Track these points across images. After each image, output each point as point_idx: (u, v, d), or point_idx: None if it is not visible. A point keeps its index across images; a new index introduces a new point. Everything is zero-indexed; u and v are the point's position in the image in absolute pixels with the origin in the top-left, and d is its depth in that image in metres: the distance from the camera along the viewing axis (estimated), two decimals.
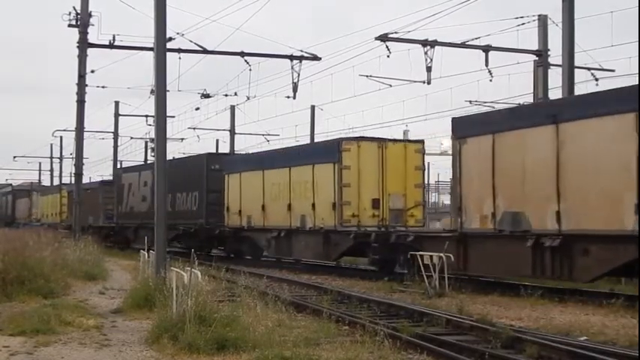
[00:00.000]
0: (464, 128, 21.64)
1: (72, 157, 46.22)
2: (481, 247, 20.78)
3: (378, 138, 28.07)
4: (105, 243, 47.17)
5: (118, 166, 62.92)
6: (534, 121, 19.11)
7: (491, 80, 29.96)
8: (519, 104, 32.07)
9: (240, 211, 33.16)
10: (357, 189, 26.59)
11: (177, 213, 37.37)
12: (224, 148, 63.05)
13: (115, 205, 47.23)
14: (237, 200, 33.47)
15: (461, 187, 21.33)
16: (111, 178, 58.30)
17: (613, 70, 30.82)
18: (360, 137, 28.04)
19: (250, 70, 31.74)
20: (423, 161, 28.16)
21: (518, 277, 20.40)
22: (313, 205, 27.78)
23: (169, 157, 36.94)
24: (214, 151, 67.52)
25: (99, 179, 65.62)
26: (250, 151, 47.47)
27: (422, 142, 28.60)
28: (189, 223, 36.67)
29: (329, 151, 27.37)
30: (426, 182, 29.72)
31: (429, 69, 28.46)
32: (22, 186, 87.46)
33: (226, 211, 34.24)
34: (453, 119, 22.53)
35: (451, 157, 21.81)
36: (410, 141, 28.27)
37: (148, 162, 55.09)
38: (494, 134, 20.20)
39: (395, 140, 28.12)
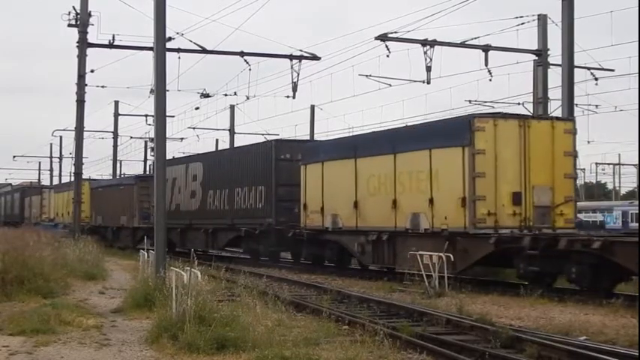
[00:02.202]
0: None
1: (72, 157, 46.20)
2: None
3: (518, 114, 22.78)
4: (141, 246, 43.05)
5: (118, 166, 63.08)
6: None
7: (490, 80, 30.03)
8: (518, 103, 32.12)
9: (322, 208, 27.39)
10: (493, 180, 21.13)
11: (237, 211, 33.00)
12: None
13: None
14: (318, 196, 27.68)
15: None
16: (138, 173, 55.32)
17: (613, 70, 30.96)
18: (496, 113, 22.38)
19: (250, 69, 31.82)
20: (574, 144, 22.33)
21: None
22: (431, 200, 22.19)
23: (169, 156, 36.36)
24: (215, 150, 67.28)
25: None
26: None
27: (572, 120, 22.65)
28: (253, 224, 31.57)
29: (455, 132, 21.74)
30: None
31: (428, 69, 28.51)
32: (21, 185, 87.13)
33: (303, 209, 28.55)
34: None
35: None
36: (558, 118, 22.23)
37: (198, 153, 47.98)
38: None
39: (540, 117, 22.44)
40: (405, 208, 23.30)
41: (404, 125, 28.20)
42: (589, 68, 30.48)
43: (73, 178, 37.86)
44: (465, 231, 21.09)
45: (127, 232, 44.83)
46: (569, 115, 25.89)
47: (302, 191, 28.64)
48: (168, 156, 26.20)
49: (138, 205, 43.45)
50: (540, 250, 19.26)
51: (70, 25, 31.93)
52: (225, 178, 34.59)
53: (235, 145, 39.87)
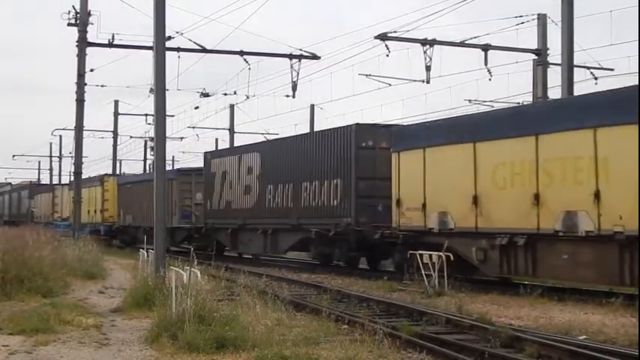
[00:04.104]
0: None
1: (71, 156, 46.17)
2: None
3: None
4: (181, 248, 37.63)
5: (117, 165, 62.97)
6: None
7: (490, 79, 30.03)
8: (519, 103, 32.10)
9: (424, 205, 22.51)
10: None
11: (305, 210, 28.64)
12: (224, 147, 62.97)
13: (203, 200, 37.47)
14: (417, 190, 22.79)
15: None
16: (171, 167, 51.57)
17: (612, 69, 30.90)
18: None
19: (249, 69, 31.76)
20: None
21: None
22: (596, 194, 17.27)
23: (168, 156, 36.04)
24: (215, 150, 66.87)
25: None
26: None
27: None
28: (325, 224, 27.23)
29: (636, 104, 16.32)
30: None
31: (428, 68, 28.51)
32: (20, 184, 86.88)
33: (396, 206, 23.65)
34: None
35: None
36: None
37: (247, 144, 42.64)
38: None
39: None
40: (554, 205, 18.41)
41: (552, 99, 21.38)
42: (588, 67, 30.46)
43: (72, 178, 37.83)
44: None
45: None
46: None
47: (394, 184, 23.80)
48: (168, 155, 26.13)
49: (178, 204, 39.08)
50: None
51: (69, 24, 31.97)
52: (289, 170, 30.07)
53: (298, 133, 33.33)
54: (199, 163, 41.39)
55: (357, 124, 26.67)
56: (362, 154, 25.86)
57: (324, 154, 27.65)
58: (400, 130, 25.29)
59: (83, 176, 38.87)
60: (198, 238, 37.75)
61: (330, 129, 28.64)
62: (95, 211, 50.13)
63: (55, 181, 78.09)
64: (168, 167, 40.99)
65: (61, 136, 77.40)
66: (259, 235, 32.05)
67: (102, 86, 42.98)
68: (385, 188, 24.49)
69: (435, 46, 28.44)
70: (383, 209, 24.97)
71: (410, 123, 27.89)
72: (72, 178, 39.60)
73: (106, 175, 53.17)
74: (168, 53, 18.37)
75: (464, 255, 21.33)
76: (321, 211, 27.61)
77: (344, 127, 27.24)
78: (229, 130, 56.37)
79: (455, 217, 21.51)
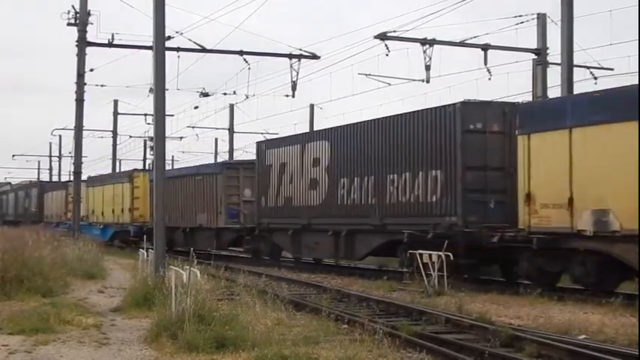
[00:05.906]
0: None
1: (71, 156, 46.09)
2: None
3: None
4: (228, 251, 34.40)
5: (117, 164, 62.93)
6: None
7: (490, 79, 30.03)
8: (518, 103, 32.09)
9: (570, 200, 17.95)
10: None
11: (392, 207, 24.10)
12: (223, 147, 62.92)
13: (257, 197, 32.83)
14: (559, 181, 18.31)
15: None
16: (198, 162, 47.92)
17: (612, 69, 30.91)
18: None
19: (249, 68, 31.74)
20: None
21: None
22: None
23: (168, 156, 35.60)
24: (214, 151, 66.47)
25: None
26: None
27: None
28: (421, 225, 22.56)
29: None
30: None
31: (427, 67, 28.51)
32: (20, 184, 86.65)
33: (525, 203, 19.22)
34: None
35: None
36: None
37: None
38: None
39: None
40: None
41: None
42: (588, 67, 30.47)
43: (72, 178, 37.80)
44: None
45: (208, 234, 35.91)
46: None
47: (522, 175, 19.53)
48: (168, 155, 26.01)
49: (224, 201, 34.34)
50: None
51: (69, 24, 32.00)
52: (369, 160, 25.36)
53: (382, 116, 26.41)
54: (199, 163, 40.80)
55: (463, 102, 22.03)
56: (469, 139, 21.45)
57: (419, 141, 23.01)
58: (531, 107, 21.13)
59: (83, 176, 38.72)
60: (250, 240, 33.28)
61: (426, 109, 23.51)
62: (122, 210, 45.14)
63: (55, 180, 77.96)
64: (168, 167, 40.64)
65: (60, 136, 77.33)
66: (329, 237, 27.35)
67: (101, 86, 43.03)
68: (498, 180, 21.17)
69: (435, 45, 28.43)
70: (495, 206, 21.25)
71: (545, 98, 23.32)
72: (72, 178, 39.47)
73: (136, 169, 47.73)
74: (167, 53, 18.39)
75: (630, 264, 17.13)
76: (414, 208, 23.08)
77: (445, 106, 22.47)
78: (229, 129, 56.38)
79: (620, 216, 16.86)
